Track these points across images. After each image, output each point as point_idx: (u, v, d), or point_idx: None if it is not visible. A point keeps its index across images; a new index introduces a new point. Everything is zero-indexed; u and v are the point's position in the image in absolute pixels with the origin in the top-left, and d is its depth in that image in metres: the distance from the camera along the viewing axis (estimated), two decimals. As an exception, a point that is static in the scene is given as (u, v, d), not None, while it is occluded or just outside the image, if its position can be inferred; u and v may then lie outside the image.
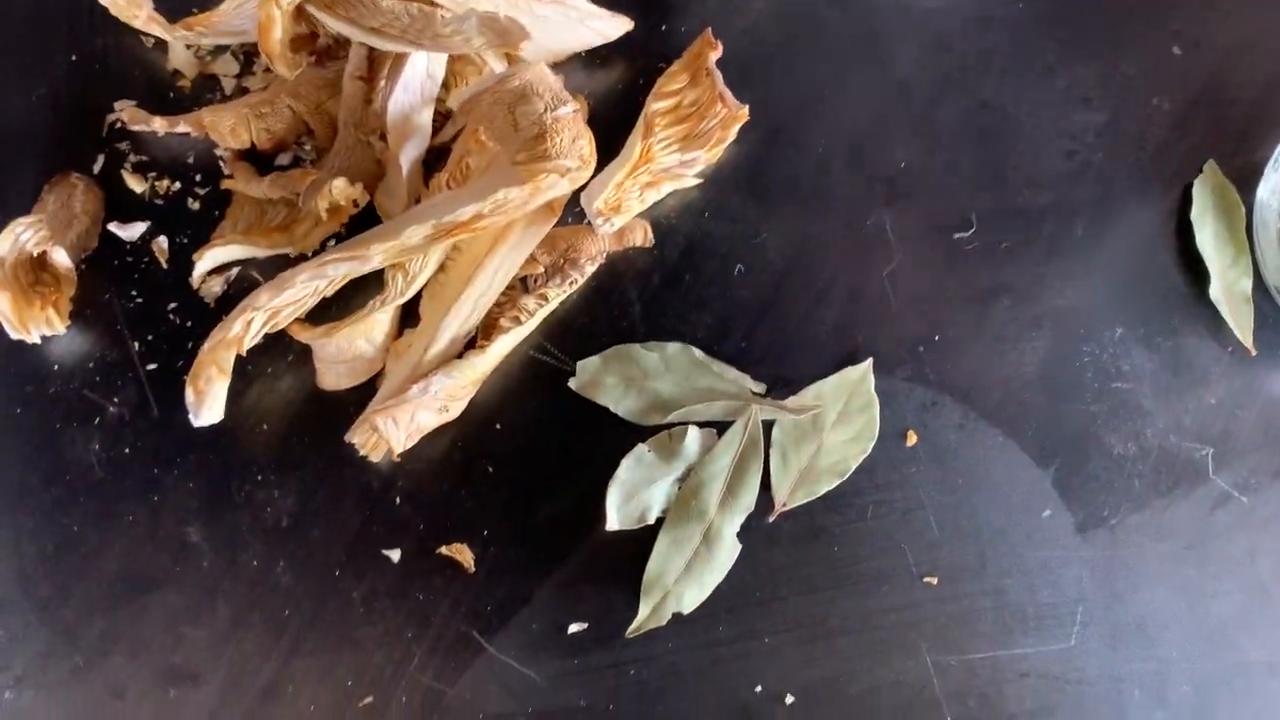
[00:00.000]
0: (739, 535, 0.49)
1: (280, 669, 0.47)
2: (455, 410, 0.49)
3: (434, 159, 0.52)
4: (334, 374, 0.49)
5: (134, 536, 0.48)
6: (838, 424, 0.50)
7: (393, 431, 0.46)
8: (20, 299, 0.48)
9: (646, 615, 0.48)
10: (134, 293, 0.51)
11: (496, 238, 0.49)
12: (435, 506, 0.49)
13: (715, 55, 0.52)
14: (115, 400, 0.49)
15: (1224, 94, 0.56)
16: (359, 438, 0.48)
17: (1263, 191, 0.53)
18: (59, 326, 0.49)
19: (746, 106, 0.51)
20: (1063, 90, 0.55)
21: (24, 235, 0.47)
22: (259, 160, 0.52)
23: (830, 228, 0.53)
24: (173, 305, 0.50)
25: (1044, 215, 0.54)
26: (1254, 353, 0.52)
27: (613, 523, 0.49)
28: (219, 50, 0.53)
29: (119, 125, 0.52)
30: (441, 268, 0.49)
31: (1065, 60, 0.56)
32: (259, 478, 0.49)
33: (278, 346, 0.50)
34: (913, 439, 0.50)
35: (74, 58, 0.53)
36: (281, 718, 0.46)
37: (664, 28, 0.55)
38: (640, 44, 0.54)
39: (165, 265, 0.51)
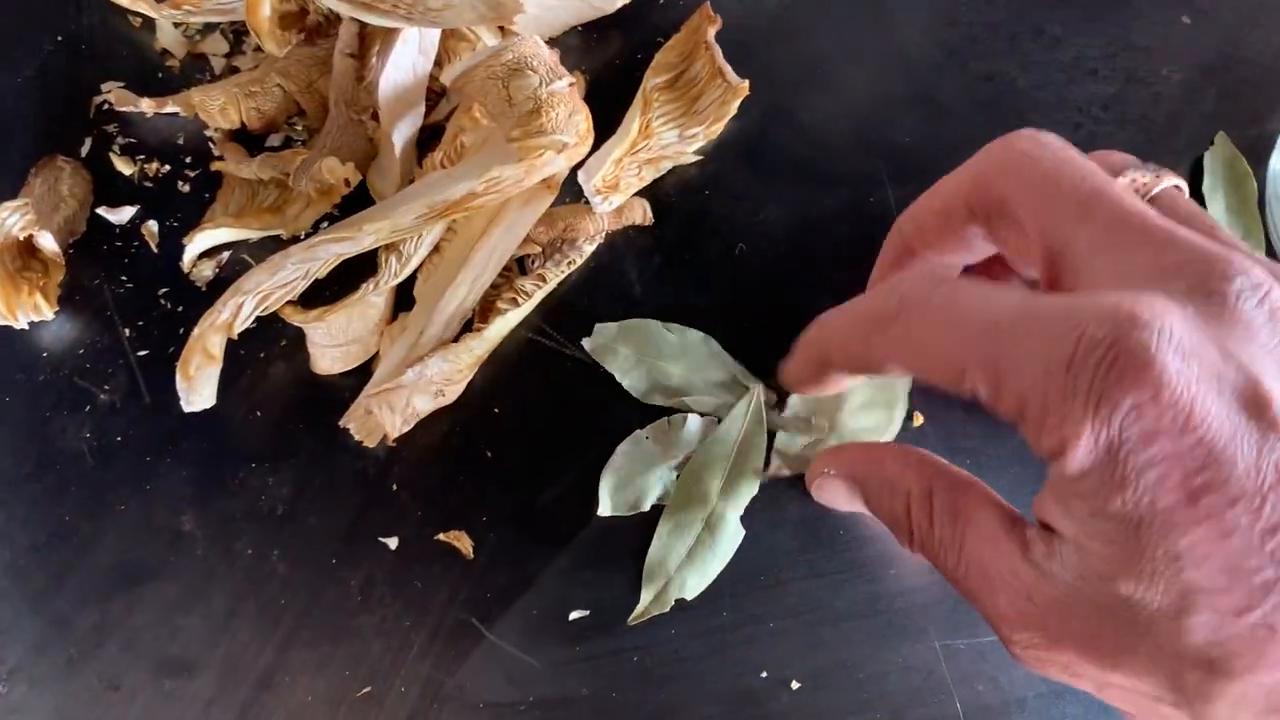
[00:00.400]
0: (742, 520, 0.48)
1: (277, 658, 0.46)
2: (452, 394, 0.48)
3: (428, 137, 0.51)
4: (328, 358, 0.48)
5: (127, 526, 0.47)
6: (858, 411, 0.49)
7: (388, 417, 0.46)
8: (7, 284, 0.47)
9: (649, 602, 0.47)
10: (124, 277, 0.50)
11: (492, 217, 0.48)
12: (433, 493, 0.48)
13: (714, 29, 0.51)
14: (106, 387, 0.48)
15: (1235, 64, 0.55)
16: (354, 423, 0.47)
17: (1275, 163, 0.52)
18: (47, 312, 0.48)
19: (746, 81, 0.50)
20: (1069, 62, 0.54)
21: (10, 219, 0.46)
22: (250, 141, 0.51)
23: (833, 204, 0.52)
24: (163, 290, 0.49)
25: (1052, 190, 0.53)
26: (1267, 328, 0.51)
27: (605, 508, 0.48)
28: (208, 29, 0.52)
29: (106, 107, 0.51)
30: (436, 249, 0.48)
31: (1072, 31, 0.55)
32: (253, 465, 0.48)
33: (270, 331, 0.49)
34: (919, 420, 0.49)
35: (59, 38, 0.52)
36: (278, 708, 0.46)
37: (661, 1, 0.54)
38: (637, 18, 0.53)
39: (155, 249, 0.50)
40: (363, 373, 0.49)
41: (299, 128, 0.51)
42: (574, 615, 0.47)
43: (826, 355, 0.37)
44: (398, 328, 0.48)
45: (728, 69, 0.49)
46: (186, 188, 0.51)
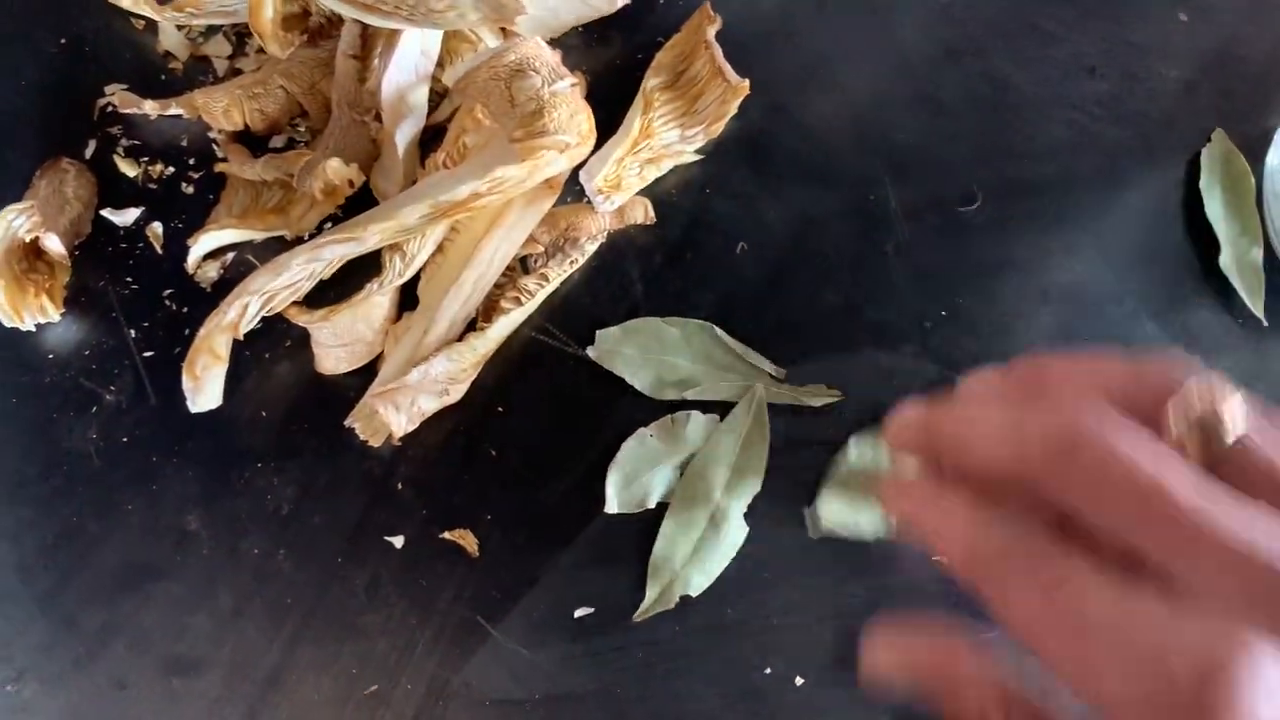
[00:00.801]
0: (745, 516, 0.48)
1: (283, 657, 0.47)
2: (456, 393, 0.48)
3: (430, 138, 0.51)
4: (333, 358, 0.48)
5: (133, 526, 0.48)
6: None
7: (393, 416, 0.46)
8: (13, 286, 0.47)
9: (654, 599, 0.47)
10: (129, 279, 0.50)
11: (495, 217, 0.48)
12: (438, 491, 0.48)
13: (714, 28, 0.51)
14: (112, 388, 0.49)
15: (1231, 61, 0.55)
16: (359, 423, 0.47)
17: (1272, 159, 0.53)
18: (53, 314, 0.48)
19: (746, 80, 0.50)
20: (1067, 60, 0.55)
21: (16, 222, 0.47)
22: (253, 142, 0.51)
23: (833, 203, 0.52)
24: (168, 291, 0.50)
25: (1049, 187, 0.53)
26: (1266, 323, 0.52)
27: (612, 506, 0.48)
28: (211, 31, 0.52)
29: (110, 109, 0.51)
30: (440, 249, 0.48)
31: (1069, 29, 0.55)
32: (259, 465, 0.48)
33: (275, 331, 0.49)
34: None
35: (63, 41, 0.52)
36: (285, 706, 0.46)
37: (662, 1, 0.54)
38: (637, 18, 0.53)
39: (160, 250, 0.50)
40: (367, 372, 0.49)
41: (302, 129, 0.51)
42: (579, 612, 0.47)
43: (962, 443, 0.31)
44: (402, 327, 0.48)
45: (728, 68, 0.50)
46: (190, 189, 0.51)
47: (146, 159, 0.51)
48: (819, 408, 0.50)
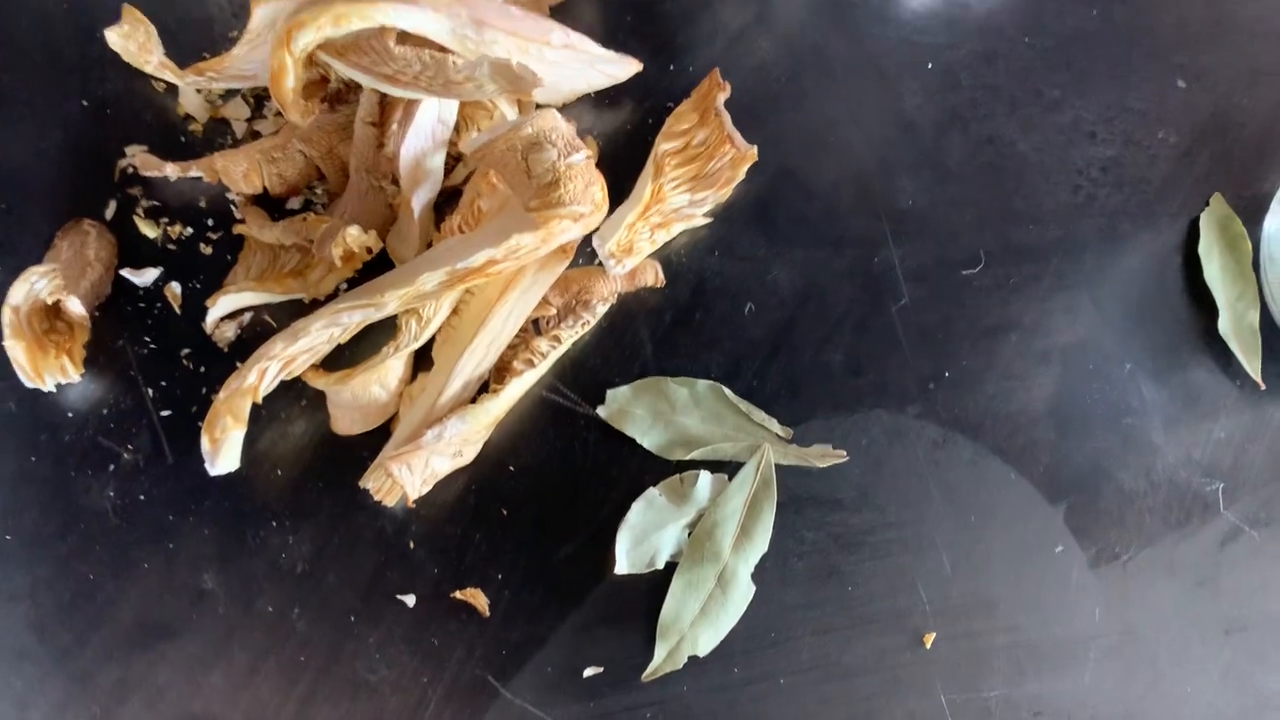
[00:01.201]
0: (752, 577, 0.49)
1: (297, 714, 0.47)
2: (469, 454, 0.49)
3: (444, 201, 0.52)
4: (348, 419, 0.49)
5: (150, 584, 0.48)
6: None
7: (408, 478, 0.47)
8: (35, 347, 0.48)
9: (662, 658, 0.48)
10: (147, 338, 0.51)
11: (509, 281, 0.49)
12: (449, 551, 0.49)
13: (723, 96, 0.52)
14: (129, 447, 0.49)
15: (1229, 127, 0.56)
16: (373, 483, 0.48)
17: (1269, 225, 0.54)
18: (74, 375, 0.49)
19: (755, 147, 0.51)
20: (1068, 125, 0.56)
21: (38, 284, 0.47)
22: (270, 203, 0.52)
23: (839, 265, 0.53)
24: (186, 351, 0.51)
25: (1051, 250, 0.54)
26: (1263, 386, 0.53)
27: (622, 566, 0.49)
28: (230, 94, 0.53)
29: (131, 171, 0.52)
30: (454, 311, 0.49)
31: (1070, 95, 0.56)
32: (274, 523, 0.49)
33: (291, 391, 0.50)
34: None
35: (85, 103, 0.53)
36: (299, 765, 0.46)
37: (672, 67, 0.55)
38: (648, 85, 0.54)
39: (178, 311, 0.51)
40: (381, 433, 0.50)
41: (319, 191, 0.52)
42: (588, 672, 0.48)
43: None
44: (417, 389, 0.49)
45: (737, 135, 0.51)
46: (209, 250, 0.52)
47: (166, 220, 0.52)
48: (825, 467, 0.50)
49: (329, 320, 0.45)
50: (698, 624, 0.48)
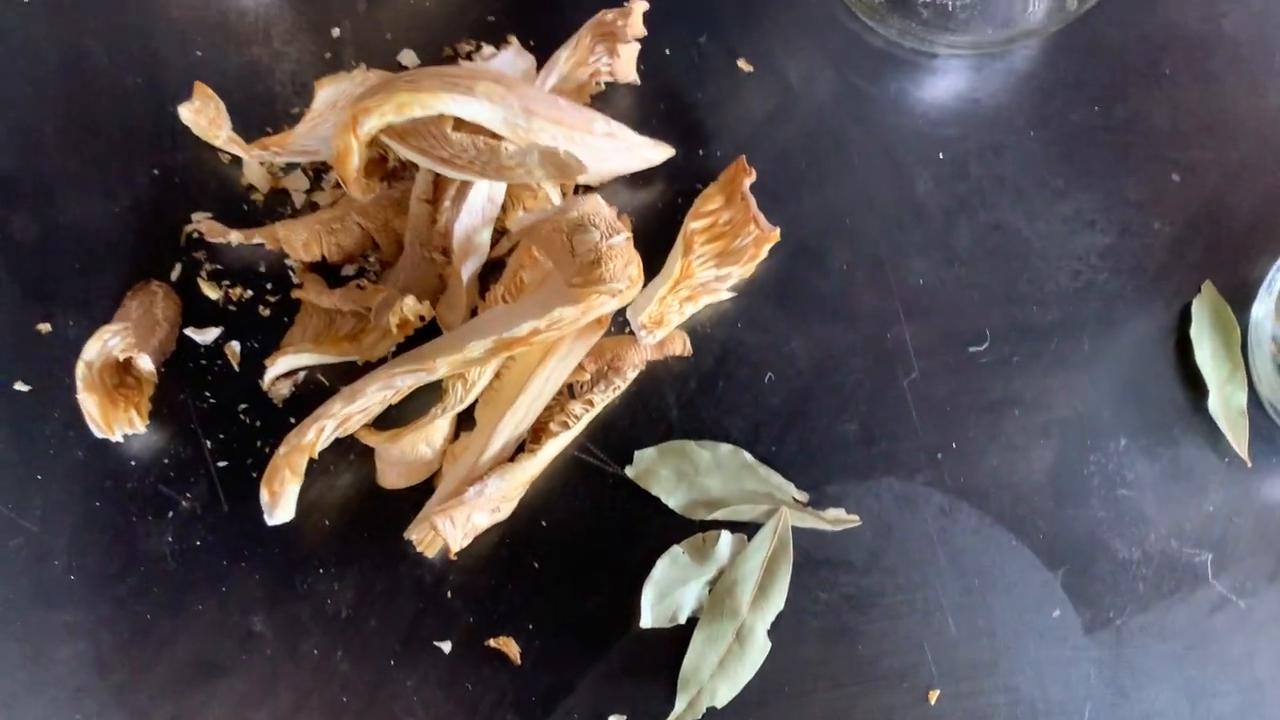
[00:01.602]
0: (769, 633, 0.52)
1: (337, 753, 0.50)
2: (506, 510, 0.52)
3: (488, 270, 0.56)
4: (394, 474, 0.52)
5: (203, 625, 0.51)
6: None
7: (450, 531, 0.50)
8: (106, 401, 0.51)
9: (683, 709, 0.51)
10: (207, 393, 0.54)
11: (548, 349, 0.53)
12: (484, 600, 0.52)
13: (749, 180, 0.56)
14: (188, 495, 0.53)
15: (1220, 218, 0.60)
16: (418, 535, 0.51)
17: (1257, 312, 0.57)
18: (140, 427, 0.52)
19: (778, 229, 0.54)
20: (1070, 214, 0.59)
21: (111, 341, 0.51)
22: (325, 270, 0.56)
23: (854, 339, 0.57)
24: (243, 406, 0.54)
25: (1052, 331, 0.58)
26: (1250, 464, 0.56)
27: (646, 620, 0.52)
28: (290, 167, 0.57)
29: (196, 236, 0.56)
30: (496, 375, 0.53)
31: (1073, 186, 0.60)
32: (320, 570, 0.52)
33: (340, 446, 0.53)
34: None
35: (155, 172, 0.57)
36: (340, 801, 0.49)
37: (701, 152, 0.59)
38: (679, 168, 0.58)
39: (237, 368, 0.54)
40: (423, 487, 0.53)
41: (372, 260, 0.56)
42: (613, 719, 0.51)
43: None
44: (460, 447, 0.52)
45: (761, 217, 0.54)
46: (267, 312, 0.55)
47: (227, 282, 0.56)
48: (838, 530, 0.54)
49: (383, 383, 0.49)
50: (716, 677, 0.51)
